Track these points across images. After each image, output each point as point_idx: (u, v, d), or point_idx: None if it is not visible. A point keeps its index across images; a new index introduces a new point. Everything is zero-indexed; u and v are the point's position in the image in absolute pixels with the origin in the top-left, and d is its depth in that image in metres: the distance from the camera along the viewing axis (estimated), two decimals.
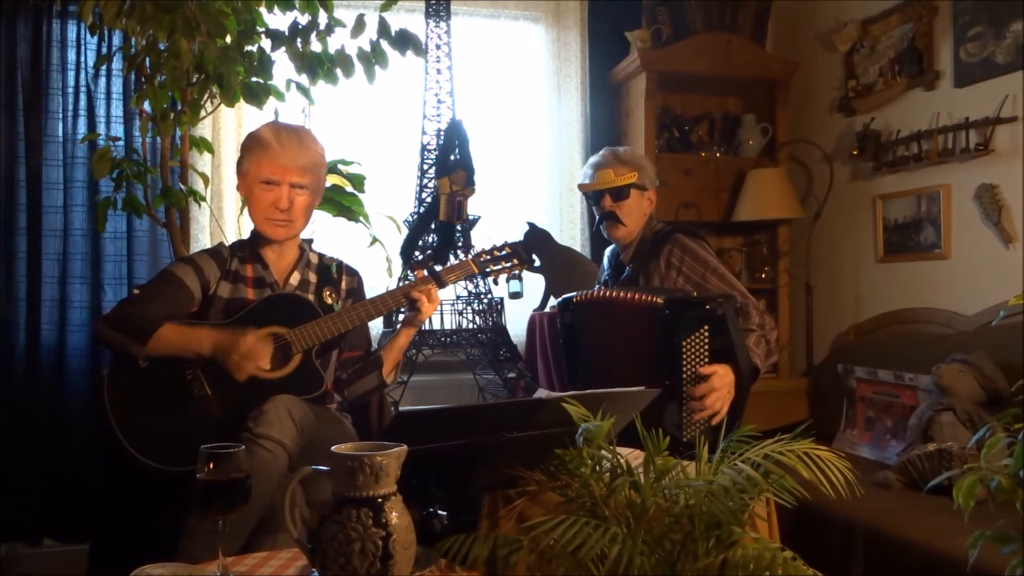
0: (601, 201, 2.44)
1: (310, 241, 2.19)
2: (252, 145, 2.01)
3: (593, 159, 2.53)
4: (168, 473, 1.80)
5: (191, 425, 1.84)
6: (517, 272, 2.18)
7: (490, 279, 2.20)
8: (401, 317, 2.78)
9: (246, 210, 2.91)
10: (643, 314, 2.14)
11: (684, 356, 2.09)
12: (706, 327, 2.08)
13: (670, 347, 2.09)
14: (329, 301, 2.10)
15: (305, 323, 1.95)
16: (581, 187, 2.55)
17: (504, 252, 2.16)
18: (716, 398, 2.06)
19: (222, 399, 1.88)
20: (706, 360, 2.09)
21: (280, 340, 1.93)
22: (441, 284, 2.09)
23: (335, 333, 1.97)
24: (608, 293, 2.26)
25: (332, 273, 2.16)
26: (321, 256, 2.18)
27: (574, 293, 2.36)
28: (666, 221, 2.65)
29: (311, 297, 2.07)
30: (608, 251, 2.66)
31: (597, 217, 2.50)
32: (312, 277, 2.12)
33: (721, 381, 2.06)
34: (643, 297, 2.14)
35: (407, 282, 3.08)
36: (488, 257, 2.15)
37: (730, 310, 2.10)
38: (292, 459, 1.73)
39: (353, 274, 2.21)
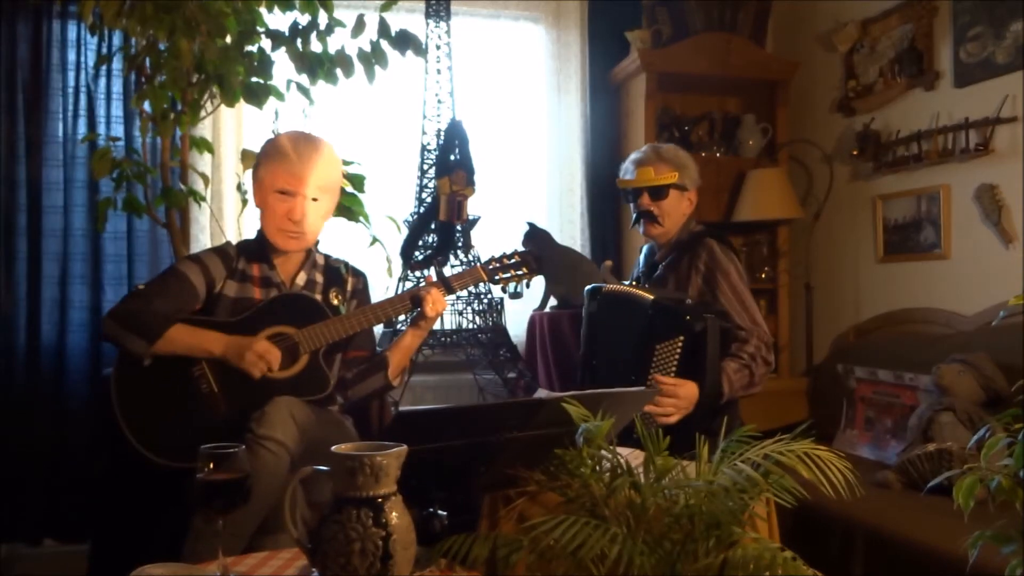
0: (639, 199, 2.42)
1: (317, 242, 2.19)
2: (270, 153, 2.00)
3: (634, 155, 2.50)
4: (171, 469, 1.80)
5: (196, 421, 1.85)
6: (527, 281, 2.19)
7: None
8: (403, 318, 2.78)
9: (246, 210, 2.93)
10: (639, 311, 2.18)
11: (655, 359, 2.12)
12: (681, 338, 2.09)
13: (646, 347, 2.13)
14: (335, 302, 2.10)
15: (313, 324, 1.95)
16: (620, 182, 2.52)
17: (514, 260, 2.17)
18: (672, 405, 2.08)
19: (228, 397, 1.88)
20: (673, 368, 2.11)
21: (288, 340, 1.93)
22: (450, 290, 2.09)
23: (343, 335, 1.98)
24: (628, 287, 2.30)
25: (342, 273, 2.16)
26: (327, 257, 2.18)
27: (602, 284, 2.39)
28: (705, 223, 2.62)
29: (318, 297, 2.07)
30: (644, 248, 2.65)
31: (634, 214, 2.47)
32: (318, 277, 2.12)
33: (683, 392, 2.08)
34: (642, 294, 2.19)
35: (409, 283, 3.10)
36: (497, 264, 2.16)
37: (713, 329, 2.10)
38: (294, 460, 1.73)
39: (359, 275, 2.21)
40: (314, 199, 1.99)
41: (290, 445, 1.73)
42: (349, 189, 2.90)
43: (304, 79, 2.59)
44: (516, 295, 3.13)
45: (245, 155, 2.79)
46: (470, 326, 3.13)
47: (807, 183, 3.74)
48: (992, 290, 2.84)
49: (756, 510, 1.05)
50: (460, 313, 3.13)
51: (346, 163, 2.94)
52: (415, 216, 3.10)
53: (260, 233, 2.07)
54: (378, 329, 3.07)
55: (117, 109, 3.13)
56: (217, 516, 1.27)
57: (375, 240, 2.94)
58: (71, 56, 3.10)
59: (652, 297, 2.15)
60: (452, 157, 3.01)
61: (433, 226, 3.04)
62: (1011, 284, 2.74)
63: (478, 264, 2.17)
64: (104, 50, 3.10)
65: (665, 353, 2.11)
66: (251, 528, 1.69)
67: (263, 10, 2.60)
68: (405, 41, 2.52)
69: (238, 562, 1.39)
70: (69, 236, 3.08)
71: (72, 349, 3.07)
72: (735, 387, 2.20)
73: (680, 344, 2.10)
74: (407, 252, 3.06)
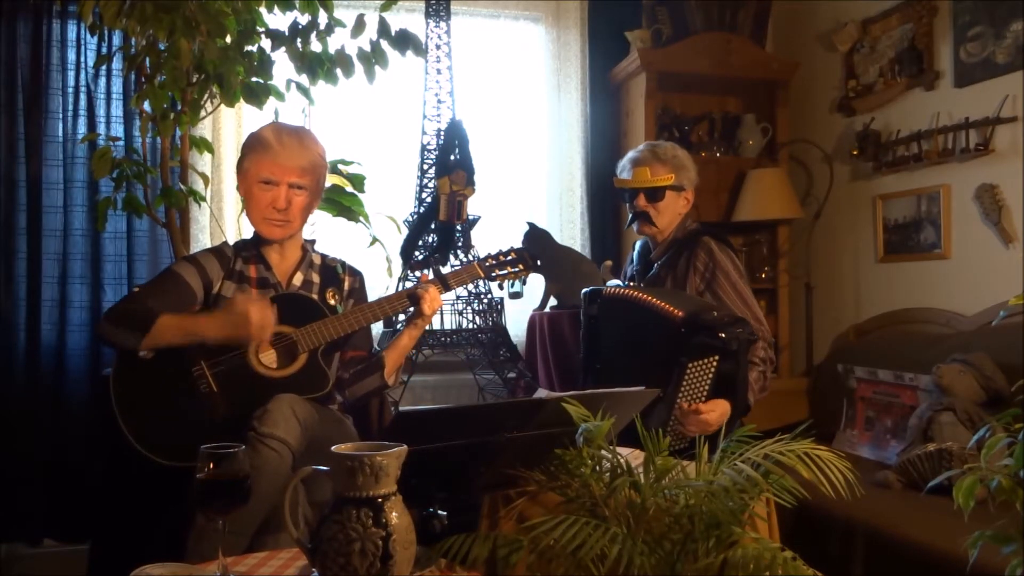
0: (635, 199, 2.41)
1: (313, 242, 2.20)
2: (253, 144, 2.01)
3: (631, 154, 2.49)
4: (172, 469, 1.80)
5: (196, 421, 1.85)
6: (523, 278, 2.19)
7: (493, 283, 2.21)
8: (403, 318, 2.79)
9: (246, 210, 2.93)
10: (662, 322, 2.12)
11: (687, 376, 2.07)
12: (716, 356, 2.06)
13: (677, 362, 2.07)
14: (332, 302, 2.10)
15: (311, 323, 1.95)
16: (617, 182, 2.51)
17: (510, 257, 2.17)
18: (705, 427, 2.04)
19: (228, 396, 1.88)
20: (707, 386, 2.07)
21: (286, 339, 1.93)
22: (447, 287, 2.10)
23: (341, 334, 1.98)
24: (636, 293, 2.24)
25: (338, 273, 2.16)
26: (324, 257, 2.18)
27: (602, 286, 2.36)
28: (705, 223, 2.59)
29: (314, 297, 2.07)
30: (639, 244, 2.63)
31: (630, 214, 2.46)
32: (315, 277, 2.12)
33: (716, 416, 2.05)
34: (666, 306, 2.12)
35: (408, 282, 3.10)
36: (494, 262, 2.16)
37: (744, 344, 2.07)
38: (296, 458, 1.73)
39: (355, 275, 2.21)
40: (299, 187, 2.00)
41: (292, 443, 1.73)
42: (349, 189, 2.90)
43: (304, 79, 2.59)
44: (516, 295, 3.13)
45: None
46: (470, 326, 3.13)
47: (807, 183, 3.74)
48: (992, 290, 2.84)
49: (756, 510, 1.05)
50: (460, 313, 3.13)
51: (346, 163, 2.95)
52: (415, 216, 3.10)
53: (255, 232, 2.08)
54: (378, 329, 3.08)
55: (117, 109, 3.13)
56: (217, 516, 1.27)
57: (375, 240, 2.94)
58: (71, 56, 3.10)
59: (681, 313, 2.07)
60: (452, 157, 3.01)
61: (433, 226, 3.04)
62: (1011, 284, 2.74)
63: (475, 261, 2.17)
64: (104, 50, 3.10)
65: (698, 371, 2.07)
66: (253, 527, 1.69)
67: (263, 10, 2.60)
68: (405, 41, 2.52)
69: (238, 562, 1.39)
70: (69, 236, 3.07)
71: (72, 349, 3.07)
72: (756, 396, 2.19)
73: (715, 362, 2.06)
74: (407, 252, 3.06)
